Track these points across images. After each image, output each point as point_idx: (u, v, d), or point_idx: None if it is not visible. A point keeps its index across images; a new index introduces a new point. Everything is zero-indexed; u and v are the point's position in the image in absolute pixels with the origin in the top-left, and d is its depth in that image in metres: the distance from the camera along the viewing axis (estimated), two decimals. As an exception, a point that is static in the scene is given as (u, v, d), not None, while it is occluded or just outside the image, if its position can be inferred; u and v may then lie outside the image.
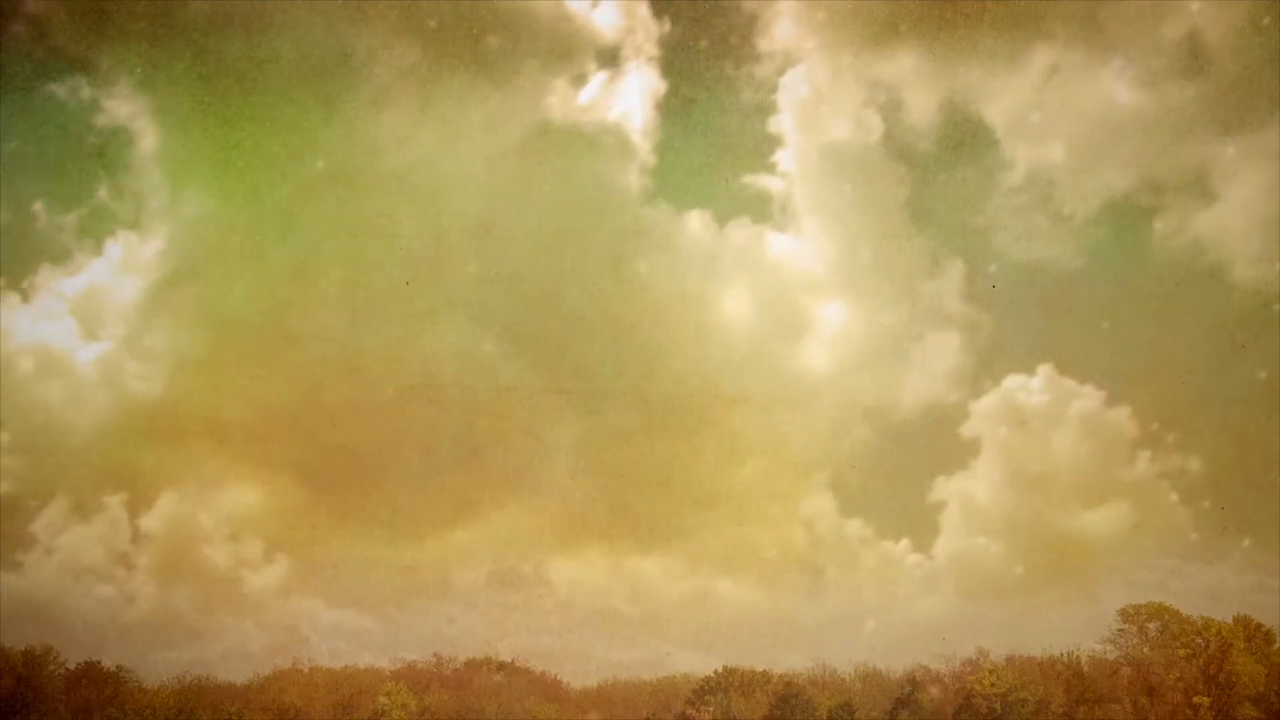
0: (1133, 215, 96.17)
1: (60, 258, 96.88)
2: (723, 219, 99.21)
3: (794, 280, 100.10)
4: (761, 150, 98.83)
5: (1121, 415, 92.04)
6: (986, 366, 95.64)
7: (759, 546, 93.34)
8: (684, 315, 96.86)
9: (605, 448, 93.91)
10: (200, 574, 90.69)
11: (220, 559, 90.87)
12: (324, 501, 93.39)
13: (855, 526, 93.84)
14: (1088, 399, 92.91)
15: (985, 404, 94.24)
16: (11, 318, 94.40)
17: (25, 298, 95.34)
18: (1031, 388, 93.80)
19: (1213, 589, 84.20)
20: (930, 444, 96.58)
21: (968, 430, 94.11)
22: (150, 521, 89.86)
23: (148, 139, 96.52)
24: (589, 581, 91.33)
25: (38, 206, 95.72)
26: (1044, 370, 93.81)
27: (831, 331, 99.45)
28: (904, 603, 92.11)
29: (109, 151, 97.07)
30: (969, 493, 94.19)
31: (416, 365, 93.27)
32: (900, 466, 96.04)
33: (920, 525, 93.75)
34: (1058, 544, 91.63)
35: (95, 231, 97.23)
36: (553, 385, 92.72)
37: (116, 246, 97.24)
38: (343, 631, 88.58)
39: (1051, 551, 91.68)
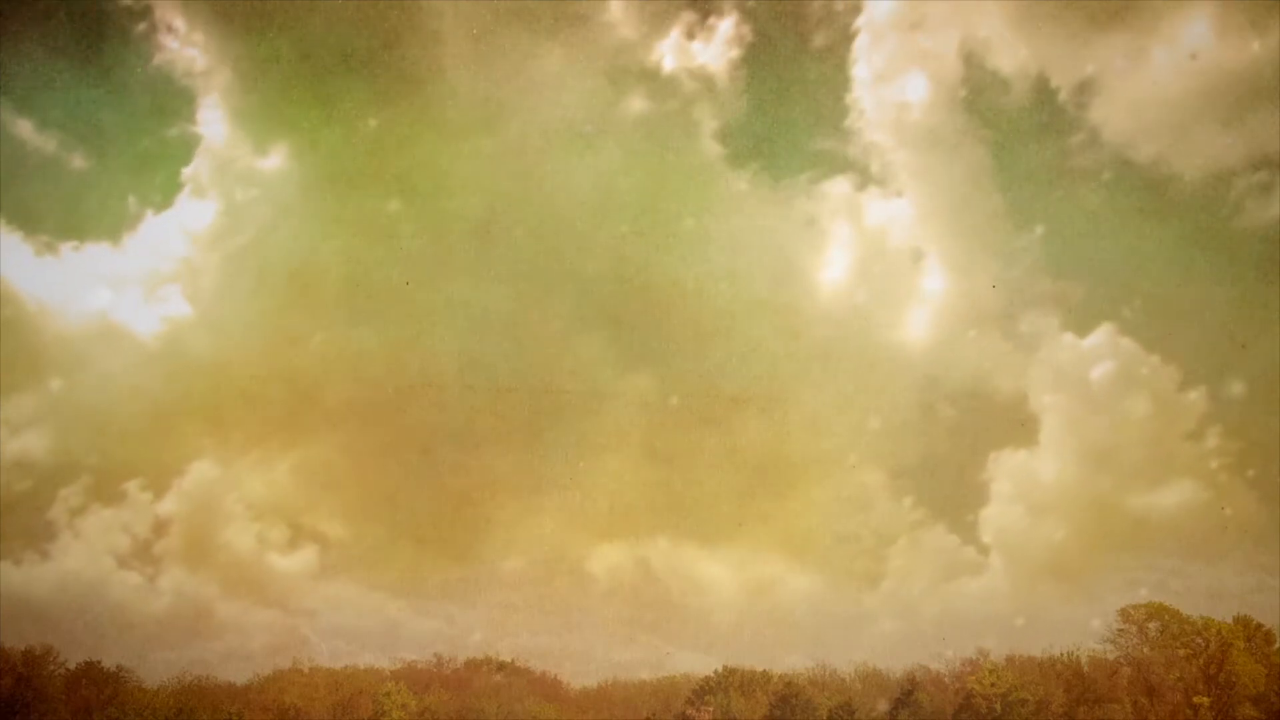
0: (1221, 184, 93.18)
1: (114, 223, 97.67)
2: (793, 179, 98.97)
3: (867, 245, 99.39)
4: (838, 109, 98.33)
5: (1195, 395, 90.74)
6: (1051, 337, 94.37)
7: (816, 532, 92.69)
8: (735, 289, 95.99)
9: (666, 435, 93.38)
10: (211, 564, 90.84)
11: (228, 553, 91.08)
12: (328, 500, 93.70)
13: (906, 506, 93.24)
14: (1157, 373, 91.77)
15: (1048, 376, 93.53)
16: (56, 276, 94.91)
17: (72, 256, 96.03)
18: (1097, 357, 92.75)
19: (1213, 589, 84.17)
20: (990, 416, 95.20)
21: (1030, 402, 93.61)
22: (147, 516, 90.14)
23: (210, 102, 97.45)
24: (638, 573, 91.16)
25: (89, 168, 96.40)
26: (1114, 344, 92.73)
27: (898, 299, 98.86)
28: (958, 584, 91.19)
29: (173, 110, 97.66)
30: (1032, 468, 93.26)
31: (417, 364, 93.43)
32: (959, 442, 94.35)
33: (973, 503, 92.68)
34: (1119, 523, 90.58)
35: (148, 197, 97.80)
36: (569, 384, 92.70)
37: (169, 212, 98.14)
38: (343, 631, 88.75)
39: (1113, 531, 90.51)
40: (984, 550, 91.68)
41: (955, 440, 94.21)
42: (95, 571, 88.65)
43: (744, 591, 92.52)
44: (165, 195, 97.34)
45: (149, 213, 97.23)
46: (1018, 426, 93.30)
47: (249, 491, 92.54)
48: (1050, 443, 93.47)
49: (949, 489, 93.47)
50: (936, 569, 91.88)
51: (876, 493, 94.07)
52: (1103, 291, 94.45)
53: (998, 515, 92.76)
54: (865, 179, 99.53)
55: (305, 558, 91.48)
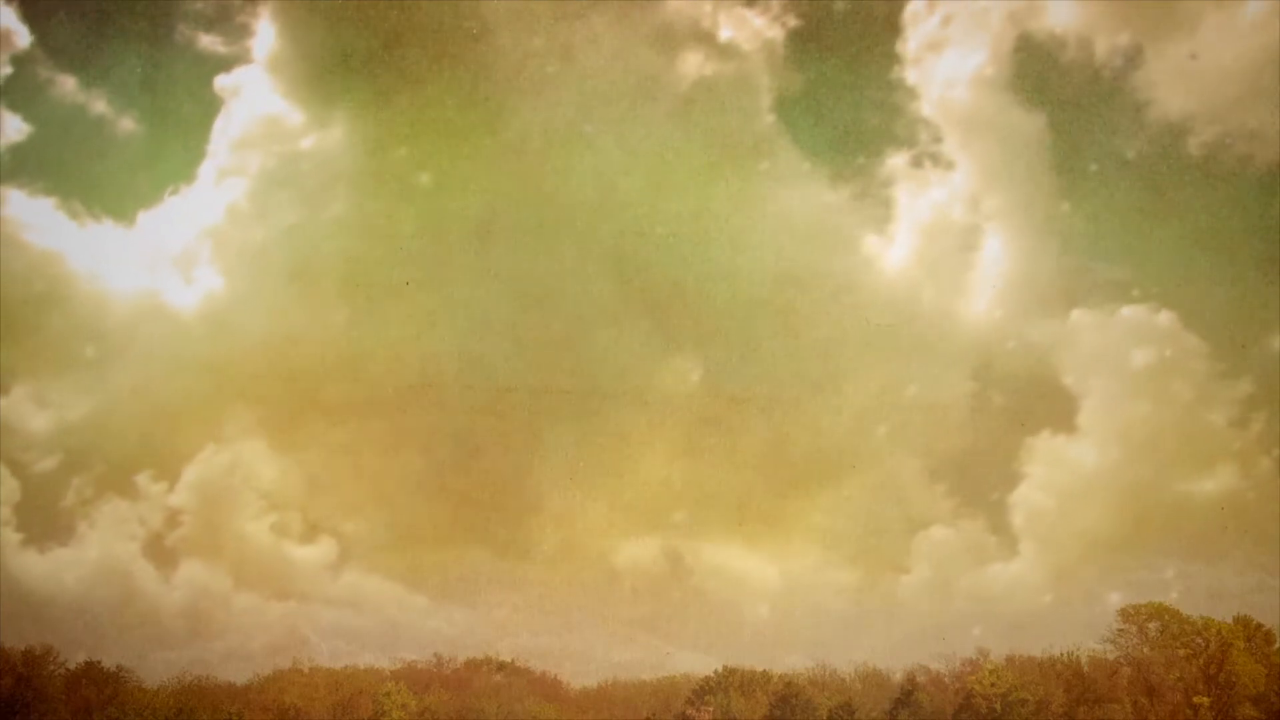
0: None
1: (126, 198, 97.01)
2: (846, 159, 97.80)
3: (917, 225, 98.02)
4: (889, 84, 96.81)
5: (1243, 384, 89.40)
6: (1098, 321, 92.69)
7: (821, 530, 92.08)
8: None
9: (668, 434, 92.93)
10: (220, 558, 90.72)
11: (237, 547, 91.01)
12: (336, 495, 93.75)
13: (939, 494, 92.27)
14: (1200, 359, 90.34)
15: (1092, 362, 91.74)
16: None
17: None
18: (1140, 341, 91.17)
19: (1213, 589, 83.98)
20: (1031, 402, 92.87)
21: (1073, 388, 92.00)
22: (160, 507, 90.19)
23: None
24: (638, 573, 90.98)
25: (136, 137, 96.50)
26: (1160, 328, 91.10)
27: (946, 282, 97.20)
28: (985, 575, 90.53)
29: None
30: (1068, 455, 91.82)
31: (417, 364, 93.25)
32: (997, 429, 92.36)
33: (1003, 491, 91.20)
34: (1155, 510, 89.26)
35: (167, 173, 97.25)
36: (552, 385, 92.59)
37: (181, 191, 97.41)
38: (343, 631, 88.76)
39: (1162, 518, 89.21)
40: (1013, 540, 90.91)
41: (993, 427, 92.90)
42: (114, 563, 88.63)
43: (745, 591, 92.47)
44: (183, 174, 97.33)
45: (166, 189, 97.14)
46: (1057, 412, 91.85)
47: (259, 485, 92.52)
48: (1090, 430, 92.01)
49: (982, 477, 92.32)
50: (964, 560, 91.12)
51: (907, 483, 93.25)
52: (1150, 275, 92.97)
53: (1029, 503, 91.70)
54: (918, 155, 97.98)
55: (314, 552, 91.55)
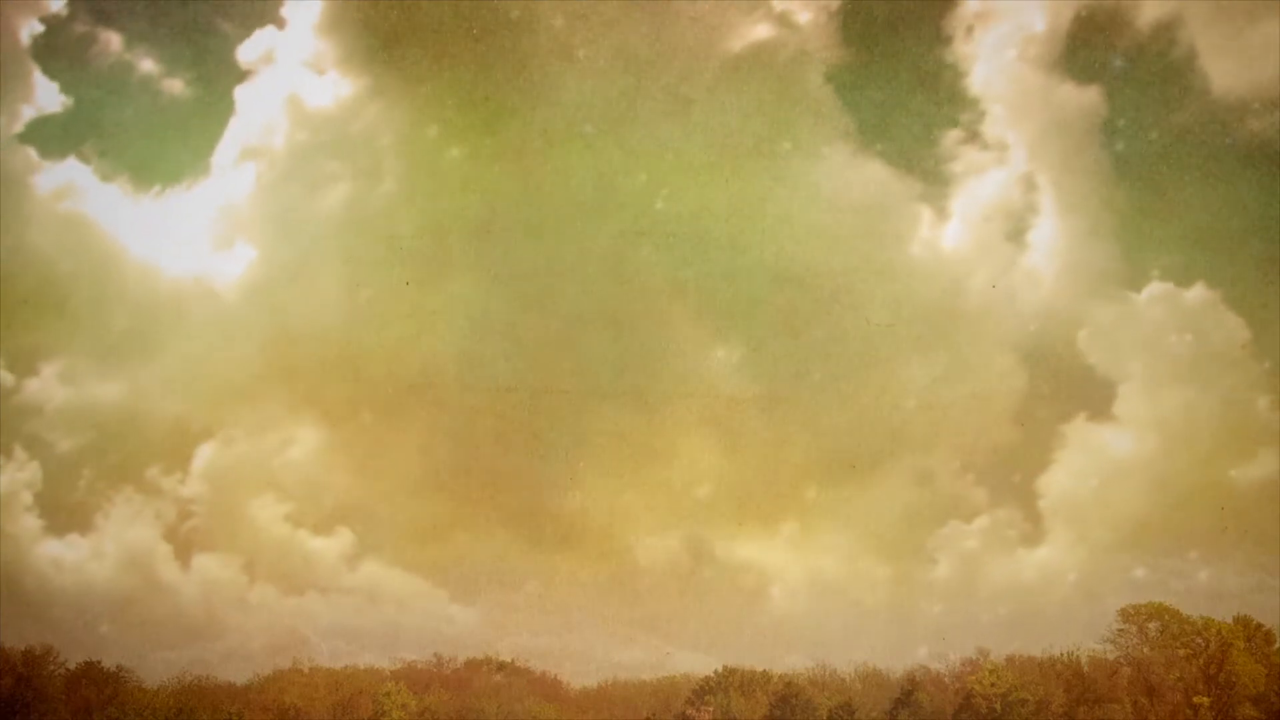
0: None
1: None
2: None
3: (963, 209, 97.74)
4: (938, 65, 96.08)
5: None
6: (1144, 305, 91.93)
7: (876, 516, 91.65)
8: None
9: (666, 435, 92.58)
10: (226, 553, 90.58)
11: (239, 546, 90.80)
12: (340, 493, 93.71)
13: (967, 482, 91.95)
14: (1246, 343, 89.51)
15: (1135, 347, 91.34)
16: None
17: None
18: (1184, 327, 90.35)
19: (1213, 589, 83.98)
20: (1069, 387, 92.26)
21: (1113, 373, 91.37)
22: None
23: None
24: (640, 573, 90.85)
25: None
26: (1206, 312, 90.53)
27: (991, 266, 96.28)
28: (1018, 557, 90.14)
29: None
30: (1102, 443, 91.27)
31: (418, 363, 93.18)
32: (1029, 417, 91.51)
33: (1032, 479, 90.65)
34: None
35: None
36: (552, 385, 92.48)
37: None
38: (343, 631, 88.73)
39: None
40: (1040, 529, 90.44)
41: (1026, 413, 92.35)
42: (131, 553, 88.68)
43: (751, 590, 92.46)
44: (206, 150, 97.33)
45: (192, 162, 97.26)
46: (1094, 399, 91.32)
47: (270, 478, 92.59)
48: (1126, 416, 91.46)
49: (1013, 465, 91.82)
50: (990, 551, 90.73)
51: (937, 473, 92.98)
52: (1192, 257, 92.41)
53: (1058, 490, 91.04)
54: (969, 136, 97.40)
55: (327, 545, 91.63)
